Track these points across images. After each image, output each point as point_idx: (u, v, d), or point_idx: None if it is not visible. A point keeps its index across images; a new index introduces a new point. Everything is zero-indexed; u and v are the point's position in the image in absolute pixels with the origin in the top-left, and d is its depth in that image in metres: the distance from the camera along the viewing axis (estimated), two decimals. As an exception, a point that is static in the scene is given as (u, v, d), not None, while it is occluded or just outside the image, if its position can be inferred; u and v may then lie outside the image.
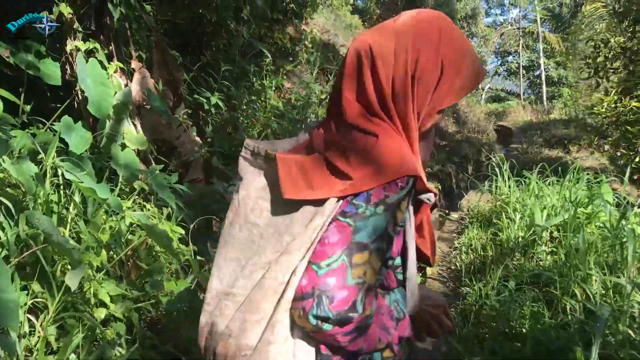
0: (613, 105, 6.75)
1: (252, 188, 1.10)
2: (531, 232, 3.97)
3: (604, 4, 18.65)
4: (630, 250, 2.98)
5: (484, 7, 38.90)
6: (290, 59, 7.76)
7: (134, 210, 2.79)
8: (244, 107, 4.66)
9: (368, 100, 1.07)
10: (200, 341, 1.09)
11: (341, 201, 1.00)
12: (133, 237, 2.62)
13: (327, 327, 0.95)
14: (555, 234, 3.94)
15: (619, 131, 6.83)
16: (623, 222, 3.47)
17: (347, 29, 17.43)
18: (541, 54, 27.24)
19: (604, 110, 6.86)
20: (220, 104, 4.00)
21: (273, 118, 4.46)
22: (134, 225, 2.63)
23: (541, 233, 3.86)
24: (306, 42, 8.24)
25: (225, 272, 1.08)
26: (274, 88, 5.06)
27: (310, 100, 5.24)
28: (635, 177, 6.48)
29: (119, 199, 2.81)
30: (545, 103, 25.58)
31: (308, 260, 0.99)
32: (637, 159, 6.34)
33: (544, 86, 26.73)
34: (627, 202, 4.02)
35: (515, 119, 20.69)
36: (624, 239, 3.16)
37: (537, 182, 4.90)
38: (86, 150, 3.17)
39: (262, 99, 4.67)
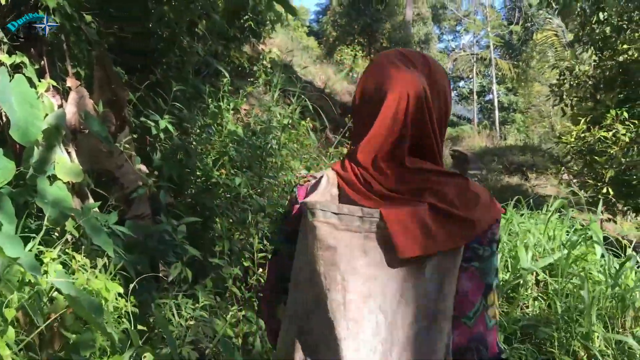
0: (582, 134, 6.63)
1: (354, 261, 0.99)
2: (517, 275, 3.62)
3: (555, 33, 19.14)
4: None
5: (436, 33, 39.71)
6: (250, 79, 7.33)
7: (61, 262, 2.27)
8: (198, 131, 4.17)
9: (435, 146, 1.10)
10: None
11: (462, 247, 0.98)
12: (59, 296, 2.11)
13: None
14: (542, 276, 3.61)
15: (584, 161, 6.72)
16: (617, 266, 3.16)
17: (304, 50, 17.22)
18: (494, 80, 27.77)
19: (573, 139, 6.74)
20: (171, 127, 3.51)
21: (230, 144, 3.99)
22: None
23: (527, 276, 3.52)
24: (264, 62, 7.83)
25: None
26: (232, 111, 4.60)
27: (272, 124, 4.80)
28: (603, 208, 6.33)
29: (42, 248, 2.28)
30: (497, 128, 25.99)
31: (453, 315, 0.98)
32: (604, 190, 6.20)
33: (496, 111, 27.22)
34: (616, 242, 3.73)
35: (471, 144, 20.84)
36: (626, 289, 2.84)
37: (514, 215, 4.59)
38: (8, 184, 2.63)
39: (219, 122, 4.19)
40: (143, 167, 3.66)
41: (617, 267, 3.05)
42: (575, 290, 3.18)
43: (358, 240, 0.98)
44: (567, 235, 4.02)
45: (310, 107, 5.14)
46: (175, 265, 2.86)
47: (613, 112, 6.11)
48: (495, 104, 27.66)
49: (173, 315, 2.75)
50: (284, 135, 4.79)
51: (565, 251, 3.47)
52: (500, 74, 29.44)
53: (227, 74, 4.41)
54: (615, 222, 6.22)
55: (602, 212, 6.29)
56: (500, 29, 31.44)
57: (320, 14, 35.69)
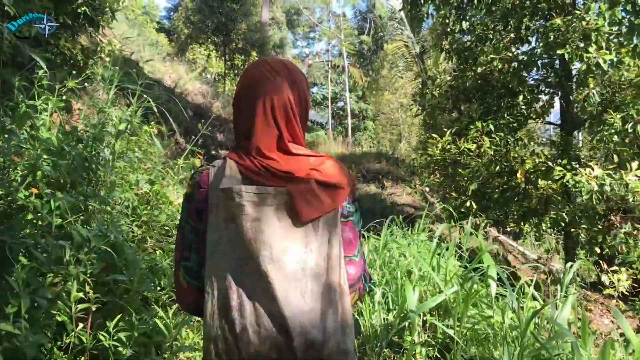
0: (447, 146, 6.52)
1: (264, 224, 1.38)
2: (402, 316, 3.13)
3: (405, 44, 19.85)
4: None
5: (291, 39, 39.84)
6: (85, 74, 6.25)
7: None
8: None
9: (300, 133, 1.51)
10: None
11: (339, 206, 1.44)
12: None
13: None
14: (429, 317, 3.18)
15: (446, 173, 6.63)
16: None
17: (152, 45, 15.94)
18: (347, 87, 28.32)
19: (438, 151, 6.60)
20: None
21: (45, 156, 3.09)
22: None
23: (414, 319, 3.02)
24: (102, 55, 6.78)
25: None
26: (51, 112, 3.65)
27: (105, 129, 3.93)
28: (465, 223, 6.28)
29: None
30: (349, 135, 26.48)
31: (345, 255, 1.46)
32: (467, 204, 6.13)
33: (349, 118, 27.71)
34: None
35: (326, 150, 20.89)
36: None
37: (388, 240, 4.16)
38: None
39: (30, 126, 3.25)
40: None
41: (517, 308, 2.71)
42: (473, 336, 2.79)
43: (273, 212, 1.38)
44: (457, 265, 3.65)
45: (155, 108, 4.31)
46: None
47: (479, 124, 6.05)
48: (349, 110, 28.16)
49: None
50: (120, 142, 3.94)
51: (455, 287, 3.07)
52: (351, 81, 30.17)
53: (43, 65, 3.43)
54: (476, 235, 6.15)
55: (472, 227, 6.23)
56: (352, 38, 32.25)
57: (171, 11, 33.92)
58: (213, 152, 10.94)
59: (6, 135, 2.82)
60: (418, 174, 11.05)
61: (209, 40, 21.05)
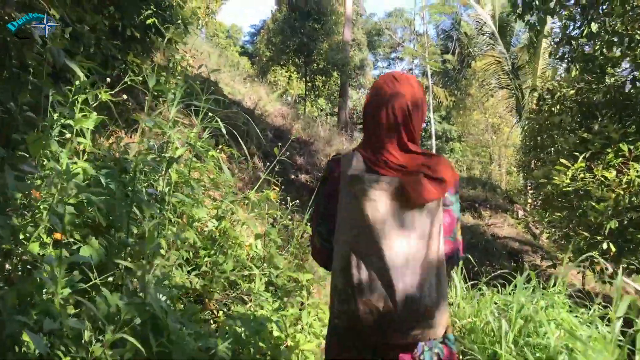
0: (580, 174, 5.30)
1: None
2: None
3: (498, 59, 18.46)
4: None
5: (372, 59, 39.05)
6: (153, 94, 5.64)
7: None
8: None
9: (415, 135, 1.82)
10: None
11: (441, 197, 1.71)
12: None
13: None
14: None
15: (572, 206, 5.40)
16: None
17: (233, 66, 15.61)
18: (431, 107, 26.97)
19: (568, 180, 5.37)
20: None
21: (71, 189, 2.34)
22: None
23: None
24: (174, 72, 6.17)
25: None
26: (108, 138, 2.96)
27: (164, 156, 3.20)
28: (598, 269, 5.06)
29: None
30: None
31: (444, 236, 1.73)
32: (604, 246, 4.90)
33: (433, 139, 26.32)
34: None
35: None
36: None
37: (521, 296, 3.07)
38: None
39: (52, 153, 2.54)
40: None
41: None
42: None
43: (387, 195, 1.65)
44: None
45: (223, 128, 3.51)
46: None
47: (624, 146, 4.81)
48: (433, 131, 26.76)
49: None
50: (178, 170, 3.18)
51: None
52: (435, 101, 28.79)
53: (81, 74, 2.70)
54: (610, 283, 4.88)
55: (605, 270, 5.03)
56: (436, 57, 30.91)
57: (254, 36, 34.16)
58: (292, 177, 10.17)
59: (15, 165, 2.05)
60: (520, 202, 9.81)
61: (290, 61, 20.58)
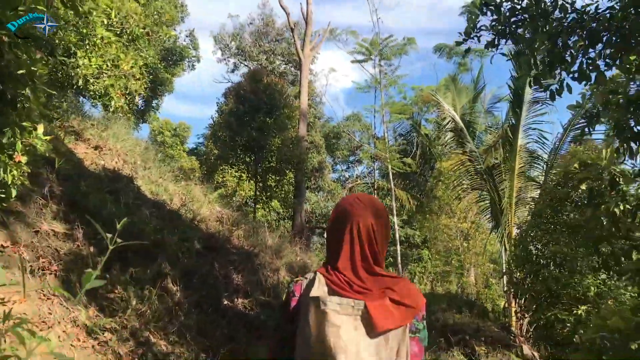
0: None
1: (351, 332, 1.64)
2: None
3: (469, 158, 16.67)
4: None
5: (329, 162, 37.46)
6: None
7: None
8: None
9: (380, 256, 1.80)
10: None
11: (408, 323, 1.68)
12: None
13: None
14: None
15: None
16: None
17: (167, 164, 13.21)
18: (394, 212, 24.87)
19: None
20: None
21: None
22: None
23: None
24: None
25: None
26: None
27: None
28: None
29: None
30: (400, 267, 22.66)
31: None
32: None
33: (398, 246, 24.01)
34: None
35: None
36: None
37: None
38: None
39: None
40: None
41: None
42: None
43: (351, 321, 1.61)
44: None
45: None
46: None
47: None
48: (397, 237, 24.50)
49: None
50: None
51: None
52: (398, 203, 26.82)
53: None
54: None
55: None
56: (396, 157, 29.37)
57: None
58: (226, 302, 7.46)
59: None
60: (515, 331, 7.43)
61: (239, 159, 18.34)
